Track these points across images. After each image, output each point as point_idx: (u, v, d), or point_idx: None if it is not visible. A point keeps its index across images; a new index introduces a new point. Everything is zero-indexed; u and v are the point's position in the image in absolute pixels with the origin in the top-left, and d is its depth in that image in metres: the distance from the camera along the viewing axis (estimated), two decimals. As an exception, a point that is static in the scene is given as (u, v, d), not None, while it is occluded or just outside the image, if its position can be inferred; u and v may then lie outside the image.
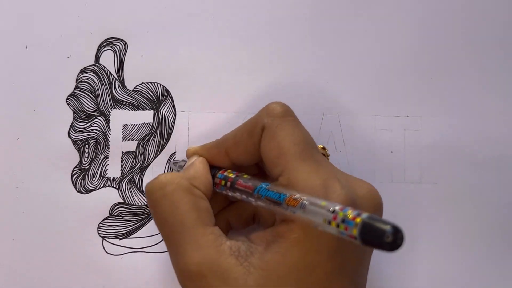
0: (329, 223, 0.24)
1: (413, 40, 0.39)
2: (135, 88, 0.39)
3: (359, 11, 0.40)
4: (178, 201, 0.30)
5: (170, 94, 0.39)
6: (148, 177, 0.38)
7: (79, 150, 0.38)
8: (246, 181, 0.30)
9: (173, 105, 0.39)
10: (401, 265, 0.38)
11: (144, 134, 0.38)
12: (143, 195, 0.38)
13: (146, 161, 0.38)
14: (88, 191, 0.38)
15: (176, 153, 0.38)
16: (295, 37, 0.39)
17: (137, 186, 0.38)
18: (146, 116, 0.39)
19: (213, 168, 0.33)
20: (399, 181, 0.38)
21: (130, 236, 0.37)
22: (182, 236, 0.29)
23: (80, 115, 0.38)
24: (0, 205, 0.37)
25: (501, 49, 0.39)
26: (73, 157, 0.38)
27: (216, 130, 0.38)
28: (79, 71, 0.39)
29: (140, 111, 0.39)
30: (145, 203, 0.38)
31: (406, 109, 0.39)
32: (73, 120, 0.38)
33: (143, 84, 0.39)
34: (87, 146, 0.38)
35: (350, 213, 0.23)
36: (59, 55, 0.39)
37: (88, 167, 0.38)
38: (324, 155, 0.35)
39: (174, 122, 0.38)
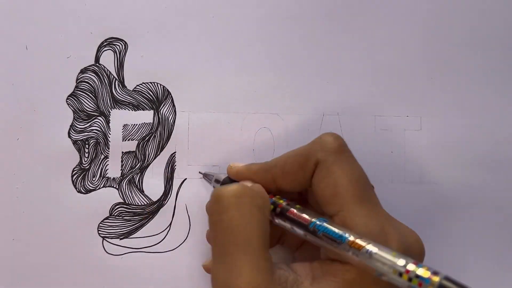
0: (400, 275, 0.24)
1: (413, 40, 0.39)
2: (135, 88, 0.39)
3: (359, 11, 0.40)
4: (251, 216, 0.28)
5: (170, 94, 0.39)
6: (148, 177, 0.38)
7: (79, 150, 0.38)
8: (300, 212, 0.29)
9: (173, 105, 0.39)
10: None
11: (144, 134, 0.38)
12: (143, 195, 0.38)
13: (146, 161, 0.38)
14: (88, 191, 0.38)
15: (176, 153, 0.38)
16: (295, 37, 0.39)
17: (137, 186, 0.38)
18: (146, 116, 0.39)
19: None
20: (399, 181, 0.38)
21: (130, 236, 0.37)
22: (243, 253, 0.27)
23: (80, 115, 0.38)
24: (0, 205, 0.37)
25: (501, 49, 0.39)
26: (73, 157, 0.38)
27: (216, 130, 0.38)
28: (79, 71, 0.39)
29: (140, 111, 0.39)
30: (145, 203, 0.38)
31: (406, 109, 0.39)
32: (73, 120, 0.38)
33: (143, 84, 0.39)
34: (87, 146, 0.38)
35: (426, 269, 0.23)
36: (59, 55, 0.39)
37: (88, 167, 0.38)
38: None
39: (174, 122, 0.38)
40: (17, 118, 0.38)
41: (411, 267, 0.24)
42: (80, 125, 0.38)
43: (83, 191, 0.38)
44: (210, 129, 0.38)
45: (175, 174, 0.38)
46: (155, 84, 0.39)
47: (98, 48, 0.39)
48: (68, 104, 0.38)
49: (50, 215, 0.37)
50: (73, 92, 0.39)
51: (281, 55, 0.39)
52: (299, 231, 0.29)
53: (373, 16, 0.39)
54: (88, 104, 0.39)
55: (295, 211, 0.30)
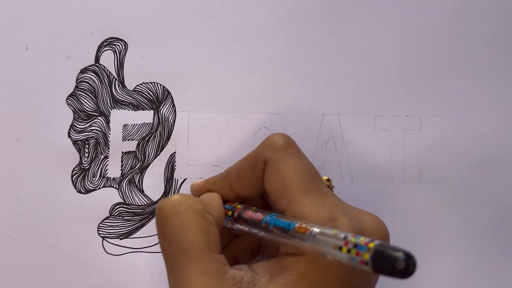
0: (340, 249, 0.24)
1: (413, 40, 0.39)
2: (135, 88, 0.39)
3: (359, 11, 0.40)
4: (189, 222, 0.29)
5: (170, 94, 0.39)
6: (148, 177, 0.38)
7: (79, 150, 0.38)
8: (254, 212, 0.30)
9: (173, 105, 0.39)
10: (401, 265, 0.38)
11: (144, 134, 0.38)
12: (143, 195, 0.38)
13: (146, 161, 0.38)
14: (88, 191, 0.38)
15: (176, 153, 0.38)
16: (295, 37, 0.39)
17: (137, 186, 0.38)
18: (146, 116, 0.39)
19: None
20: (399, 181, 0.38)
21: (130, 236, 0.37)
22: (187, 259, 0.28)
23: (80, 115, 0.38)
24: (0, 205, 0.37)
25: (501, 49, 0.39)
26: (73, 157, 0.38)
27: (216, 130, 0.38)
28: (79, 71, 0.39)
29: (140, 111, 0.39)
30: (145, 203, 0.38)
31: (406, 109, 0.39)
32: (73, 120, 0.38)
33: (143, 84, 0.39)
34: (87, 146, 0.38)
35: (363, 239, 0.23)
36: (59, 55, 0.39)
37: (88, 167, 0.38)
38: (328, 186, 0.35)
39: (174, 122, 0.38)
40: (17, 118, 0.38)
41: (349, 239, 0.24)
42: (80, 125, 0.38)
43: (83, 191, 0.38)
44: (210, 129, 0.38)
45: (175, 174, 0.38)
46: (155, 84, 0.39)
47: (98, 48, 0.39)
48: (68, 104, 0.38)
49: (50, 215, 0.37)
50: (73, 92, 0.39)
51: (281, 55, 0.39)
52: (255, 230, 0.30)
53: (373, 16, 0.39)
54: (88, 104, 0.39)
55: (250, 212, 0.30)
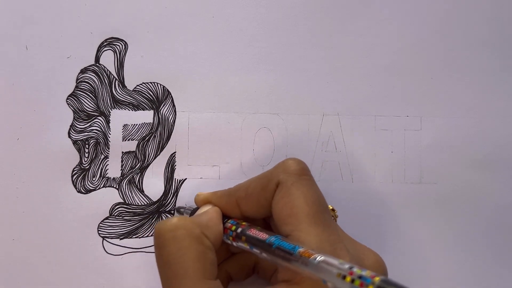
0: (344, 277, 0.24)
1: (413, 40, 0.39)
2: (135, 88, 0.39)
3: (359, 11, 0.40)
4: (186, 248, 0.29)
5: (170, 94, 0.39)
6: (148, 177, 0.38)
7: (79, 150, 0.38)
8: (259, 231, 0.30)
9: (173, 105, 0.39)
10: (401, 266, 0.38)
11: (144, 134, 0.38)
12: (143, 195, 0.38)
13: (146, 161, 0.38)
14: (88, 191, 0.38)
15: (176, 153, 0.38)
16: (295, 37, 0.39)
17: (137, 186, 0.38)
18: (146, 116, 0.39)
19: (224, 217, 0.33)
20: (399, 181, 0.38)
21: (130, 236, 0.37)
22: (182, 285, 0.28)
23: (80, 115, 0.38)
24: (0, 205, 0.37)
25: (501, 49, 0.39)
26: (73, 157, 0.38)
27: (216, 130, 0.38)
28: (79, 71, 0.39)
29: (140, 111, 0.39)
30: (145, 203, 0.38)
31: (406, 109, 0.39)
32: (73, 120, 0.38)
33: (143, 84, 0.39)
34: (87, 146, 0.38)
35: (369, 272, 0.24)
36: (59, 55, 0.39)
37: (88, 167, 0.38)
38: (332, 216, 0.35)
39: (174, 122, 0.38)
40: (17, 118, 0.38)
41: (355, 270, 0.24)
42: (80, 125, 0.38)
43: (83, 191, 0.38)
44: (210, 129, 0.38)
45: (175, 174, 0.38)
46: (155, 84, 0.39)
47: (98, 48, 0.39)
48: (68, 104, 0.38)
49: (50, 215, 0.37)
50: (73, 92, 0.39)
51: (281, 55, 0.39)
52: (256, 250, 0.30)
53: (373, 16, 0.39)
54: (88, 104, 0.39)
55: (255, 230, 0.30)
